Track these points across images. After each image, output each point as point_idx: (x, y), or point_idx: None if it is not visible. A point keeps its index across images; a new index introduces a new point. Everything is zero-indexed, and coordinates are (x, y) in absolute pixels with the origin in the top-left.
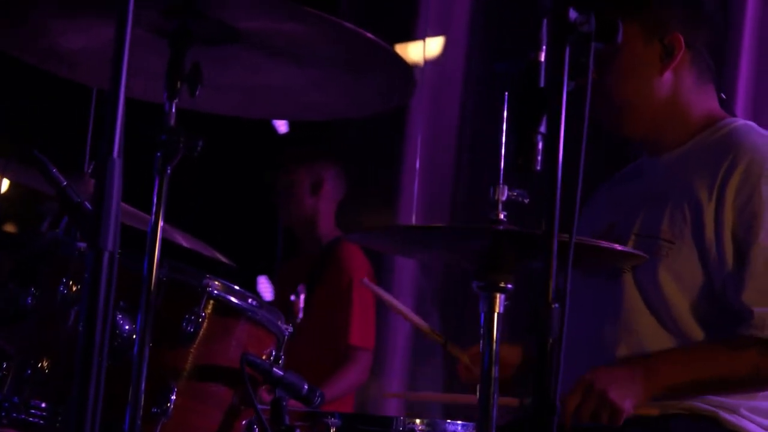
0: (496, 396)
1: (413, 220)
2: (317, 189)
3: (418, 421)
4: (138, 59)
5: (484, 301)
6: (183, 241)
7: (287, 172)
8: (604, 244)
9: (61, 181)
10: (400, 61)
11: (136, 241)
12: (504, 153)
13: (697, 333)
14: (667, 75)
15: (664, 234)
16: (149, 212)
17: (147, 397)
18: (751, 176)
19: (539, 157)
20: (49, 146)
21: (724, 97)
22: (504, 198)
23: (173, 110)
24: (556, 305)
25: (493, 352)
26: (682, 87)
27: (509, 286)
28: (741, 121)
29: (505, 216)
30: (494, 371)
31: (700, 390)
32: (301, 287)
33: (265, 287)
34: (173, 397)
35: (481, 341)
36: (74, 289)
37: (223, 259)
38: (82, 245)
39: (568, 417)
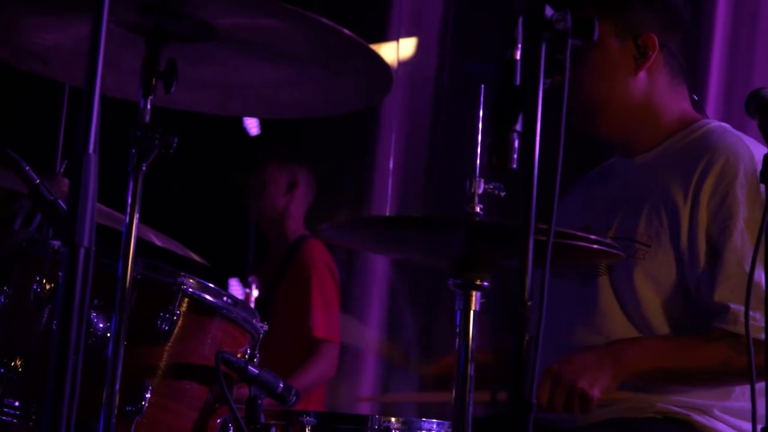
0: (471, 395)
1: None
2: (291, 188)
3: (393, 419)
4: (113, 56)
5: (460, 298)
6: (156, 239)
7: (262, 170)
8: (582, 236)
9: (34, 179)
10: (377, 58)
11: (109, 239)
12: (480, 147)
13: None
14: (641, 75)
15: (640, 236)
16: (122, 211)
17: (121, 396)
18: (725, 178)
19: (515, 156)
20: (21, 144)
21: (696, 98)
22: (480, 191)
23: (148, 107)
24: (532, 302)
25: (469, 350)
26: (656, 87)
27: (485, 283)
28: (715, 123)
29: (481, 209)
30: (470, 369)
31: (668, 379)
32: (252, 279)
33: (236, 289)
34: (148, 396)
35: (457, 339)
36: (47, 287)
37: (197, 258)
38: (56, 243)
39: (541, 409)
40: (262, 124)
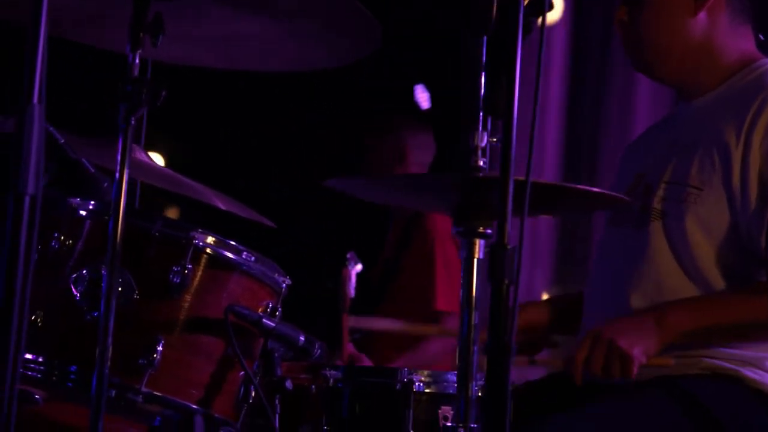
0: (476, 346)
1: None
2: (401, 160)
3: (419, 372)
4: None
5: (463, 247)
6: (220, 203)
7: (368, 150)
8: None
9: (59, 138)
10: (363, 12)
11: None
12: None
13: (720, 283)
14: (701, 16)
15: (692, 180)
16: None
17: (134, 349)
18: None
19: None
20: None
21: (762, 38)
22: (483, 144)
23: (137, 61)
24: (512, 246)
25: (473, 299)
26: (717, 28)
27: (488, 231)
28: None
29: (485, 162)
30: (474, 317)
31: (715, 337)
32: (351, 255)
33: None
34: (160, 349)
35: (462, 289)
36: (67, 243)
37: (266, 221)
38: (75, 201)
39: (578, 370)
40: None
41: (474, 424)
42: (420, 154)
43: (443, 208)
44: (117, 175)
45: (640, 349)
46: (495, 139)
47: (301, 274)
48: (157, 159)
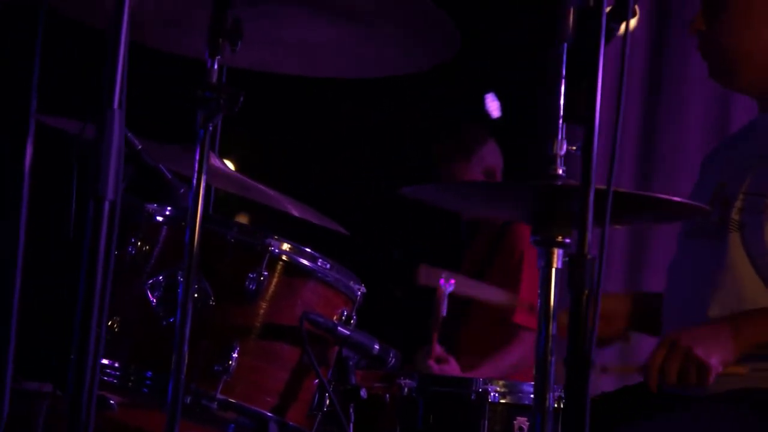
0: (554, 355)
1: None
2: (492, 176)
3: (494, 381)
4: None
5: (541, 256)
6: (293, 210)
7: (459, 170)
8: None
9: (137, 144)
10: (443, 16)
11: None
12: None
13: None
14: None
15: None
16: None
17: (209, 356)
18: None
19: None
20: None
21: None
22: (562, 152)
23: (215, 67)
24: (592, 256)
25: (550, 309)
26: None
27: (567, 240)
28: None
29: (563, 171)
30: (551, 328)
31: None
32: (445, 274)
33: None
34: (235, 356)
35: (539, 299)
36: (144, 249)
37: (339, 228)
38: (151, 207)
39: (654, 376)
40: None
41: None
42: (489, 160)
43: (519, 216)
44: (194, 181)
45: (717, 359)
46: (574, 147)
47: (372, 282)
48: (229, 164)
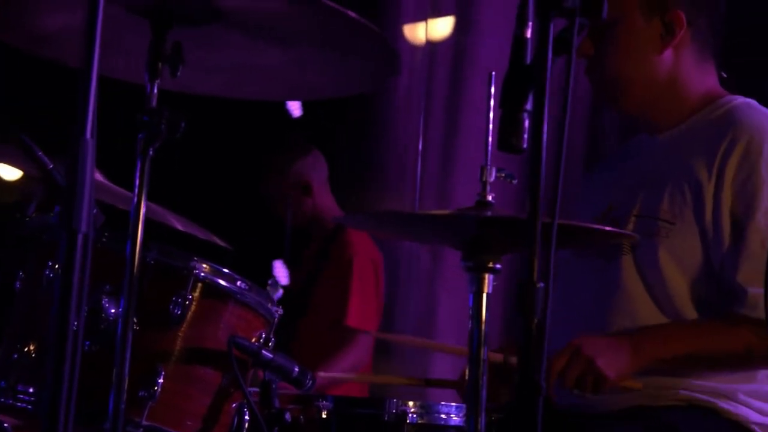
0: (485, 378)
1: (416, 202)
2: (307, 192)
3: (410, 403)
4: (120, 39)
5: (472, 281)
6: (178, 224)
7: (276, 186)
8: (594, 226)
9: (47, 164)
10: (382, 40)
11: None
12: (491, 134)
13: (693, 316)
14: (667, 53)
15: (663, 214)
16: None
17: (134, 381)
18: (750, 155)
19: (525, 135)
20: (36, 129)
21: (725, 75)
22: (492, 179)
23: (155, 91)
24: (541, 284)
25: (482, 333)
26: (682, 65)
27: (498, 266)
28: (741, 99)
29: (493, 198)
30: (483, 353)
31: (688, 365)
32: (272, 282)
33: (281, 272)
34: (161, 381)
35: (470, 322)
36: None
37: (219, 242)
38: None
39: (553, 378)
40: (304, 105)
41: None
42: (306, 174)
43: (452, 243)
44: (134, 202)
45: (615, 371)
46: (503, 174)
47: None
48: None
